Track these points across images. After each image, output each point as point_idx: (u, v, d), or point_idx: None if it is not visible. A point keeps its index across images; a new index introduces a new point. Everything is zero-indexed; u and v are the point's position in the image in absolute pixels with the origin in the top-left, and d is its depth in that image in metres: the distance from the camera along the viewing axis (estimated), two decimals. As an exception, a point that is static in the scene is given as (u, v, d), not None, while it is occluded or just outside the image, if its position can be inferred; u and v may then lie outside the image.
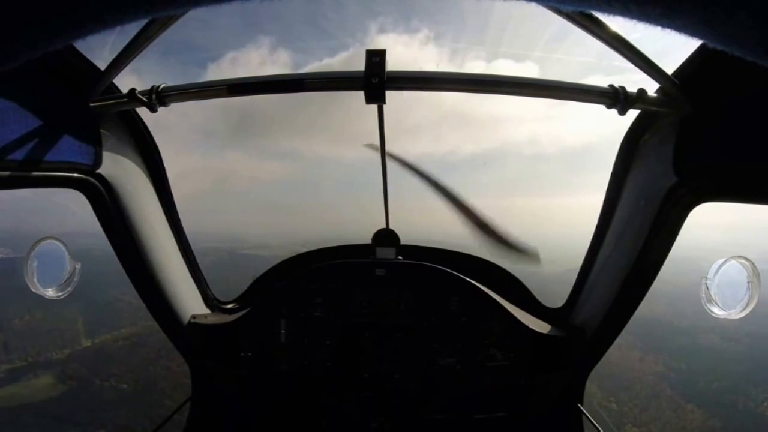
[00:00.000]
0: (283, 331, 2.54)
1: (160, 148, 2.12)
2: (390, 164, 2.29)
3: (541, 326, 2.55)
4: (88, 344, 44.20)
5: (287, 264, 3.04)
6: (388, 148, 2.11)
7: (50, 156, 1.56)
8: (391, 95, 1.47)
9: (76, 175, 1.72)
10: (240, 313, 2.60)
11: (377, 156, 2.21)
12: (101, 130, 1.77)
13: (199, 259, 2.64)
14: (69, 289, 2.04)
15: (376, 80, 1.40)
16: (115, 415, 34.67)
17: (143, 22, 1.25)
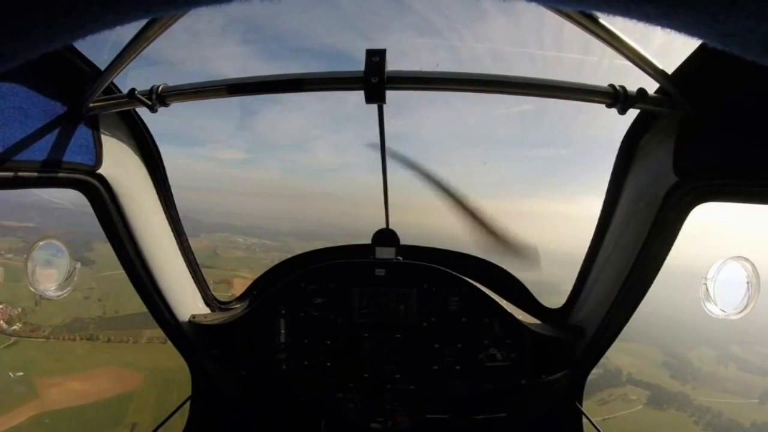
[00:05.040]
0: (283, 331, 2.55)
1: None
2: (389, 163, 2.29)
3: (541, 326, 2.55)
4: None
5: (287, 264, 3.05)
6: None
7: (50, 156, 1.56)
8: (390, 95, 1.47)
9: (76, 175, 1.72)
10: (240, 313, 2.60)
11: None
12: (101, 130, 1.77)
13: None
14: (69, 288, 2.04)
15: (375, 80, 1.40)
16: None
17: (143, 22, 1.25)
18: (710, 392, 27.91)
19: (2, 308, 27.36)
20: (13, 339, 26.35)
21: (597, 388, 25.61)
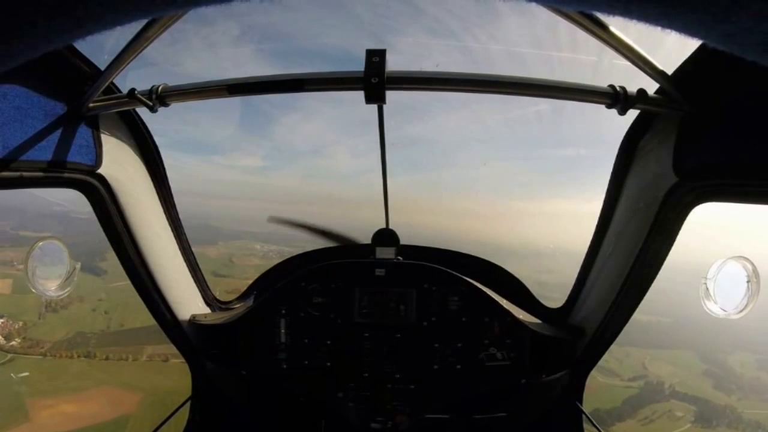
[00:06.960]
0: (283, 331, 2.55)
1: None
2: (389, 164, 2.29)
3: (541, 326, 2.55)
4: None
5: (287, 264, 3.05)
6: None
7: (50, 156, 1.56)
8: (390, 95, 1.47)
9: (76, 175, 1.72)
10: (240, 313, 2.60)
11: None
12: (101, 130, 1.77)
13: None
14: (69, 288, 2.04)
15: (376, 80, 1.40)
16: None
17: (143, 22, 1.25)
18: (757, 403, 25.56)
19: (3, 322, 25.79)
20: (9, 356, 24.91)
21: (639, 404, 22.76)
